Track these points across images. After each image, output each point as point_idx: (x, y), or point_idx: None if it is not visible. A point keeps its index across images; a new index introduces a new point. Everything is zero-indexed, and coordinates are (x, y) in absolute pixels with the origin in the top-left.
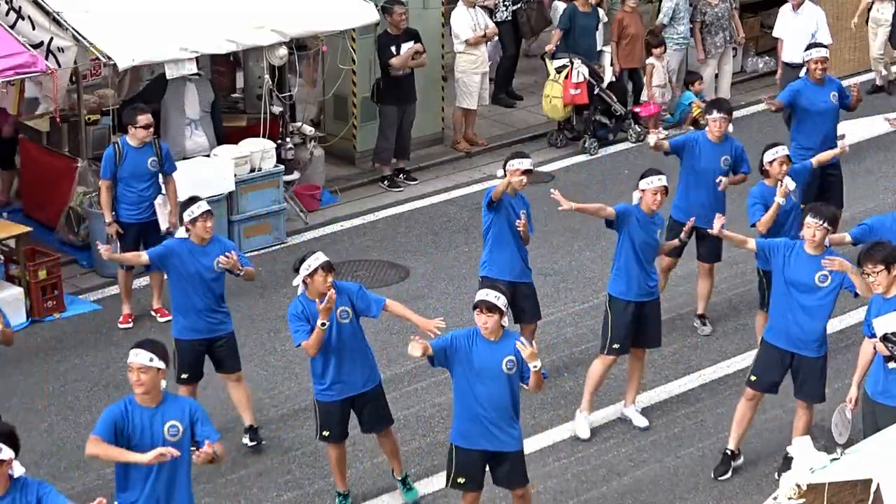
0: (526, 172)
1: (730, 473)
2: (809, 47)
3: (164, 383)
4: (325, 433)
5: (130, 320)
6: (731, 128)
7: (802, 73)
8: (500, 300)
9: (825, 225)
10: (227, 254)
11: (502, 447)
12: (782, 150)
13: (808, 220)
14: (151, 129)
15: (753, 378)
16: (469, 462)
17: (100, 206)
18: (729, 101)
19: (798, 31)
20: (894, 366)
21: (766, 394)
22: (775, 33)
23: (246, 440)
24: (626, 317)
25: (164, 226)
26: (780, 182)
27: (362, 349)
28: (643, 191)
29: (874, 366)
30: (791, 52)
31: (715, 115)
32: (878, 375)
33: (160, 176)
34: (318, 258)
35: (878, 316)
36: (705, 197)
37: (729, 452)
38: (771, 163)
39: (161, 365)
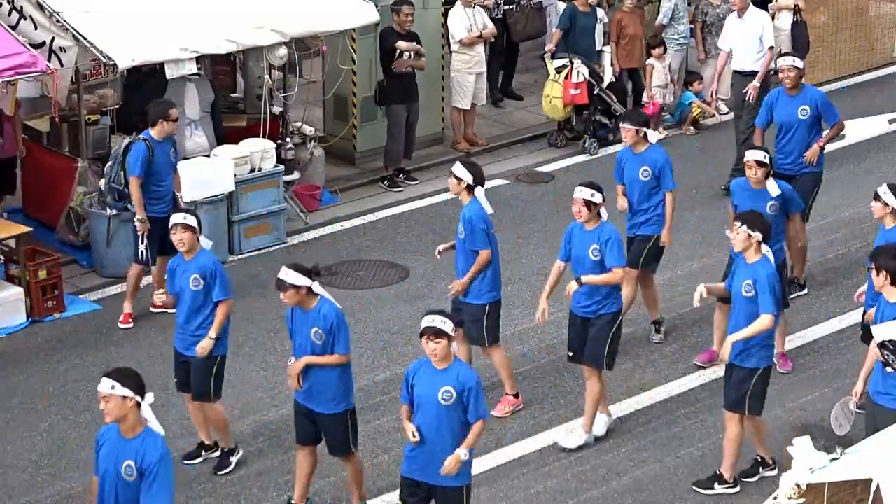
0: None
1: (755, 478)
2: (781, 56)
3: (145, 413)
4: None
5: (131, 320)
6: (653, 137)
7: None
8: (447, 324)
9: (746, 230)
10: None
11: (440, 482)
12: (750, 154)
13: (734, 225)
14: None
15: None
16: (410, 491)
17: (101, 204)
18: (640, 112)
19: (745, 37)
20: (891, 370)
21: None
22: (721, 45)
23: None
24: (571, 327)
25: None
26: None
27: (332, 377)
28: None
29: (875, 367)
30: (741, 59)
31: (627, 125)
32: (877, 377)
33: None
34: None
35: (881, 317)
36: (634, 208)
37: (758, 458)
38: (745, 162)
39: (126, 393)
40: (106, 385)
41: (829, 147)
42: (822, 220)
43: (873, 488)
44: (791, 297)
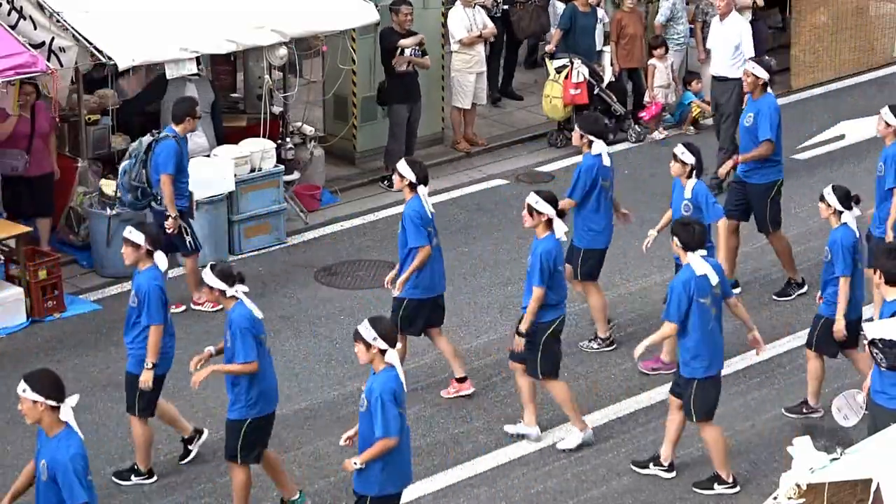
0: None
1: (647, 471)
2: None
3: (64, 416)
4: None
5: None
6: (598, 148)
7: None
8: (368, 331)
9: (673, 239)
10: None
11: (354, 486)
12: (676, 147)
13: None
14: None
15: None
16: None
17: (101, 204)
18: (596, 119)
19: (724, 43)
20: (884, 368)
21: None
22: (708, 45)
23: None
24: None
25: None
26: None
27: (238, 382)
28: None
29: (874, 365)
30: (716, 64)
31: (575, 128)
32: (875, 375)
33: None
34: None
35: (881, 314)
36: None
37: (657, 454)
38: None
39: (36, 397)
40: (20, 388)
41: (829, 147)
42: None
43: (873, 488)
44: (790, 297)
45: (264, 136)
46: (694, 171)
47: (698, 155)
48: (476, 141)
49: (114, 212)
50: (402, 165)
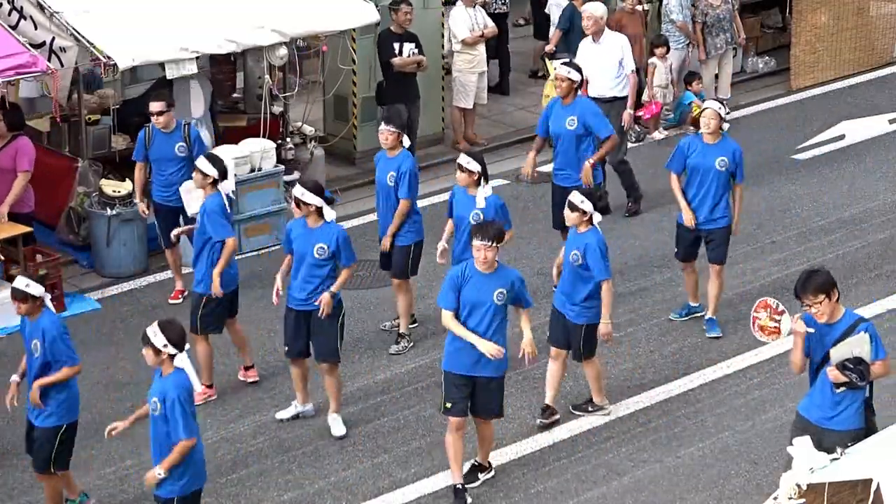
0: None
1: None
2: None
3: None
4: None
5: (181, 296)
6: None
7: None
8: (156, 337)
9: (494, 245)
10: None
11: (156, 491)
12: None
13: (475, 242)
14: (168, 115)
15: (449, 405)
16: None
17: (101, 204)
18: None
19: (606, 61)
20: (861, 385)
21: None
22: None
23: None
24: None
25: (190, 210)
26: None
27: (48, 390)
28: None
29: (817, 391)
30: (598, 86)
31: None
32: (823, 400)
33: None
34: None
35: (828, 345)
36: None
37: (460, 486)
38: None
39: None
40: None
41: (829, 147)
42: (822, 221)
43: (873, 488)
44: None
45: (264, 136)
46: (482, 179)
47: (482, 162)
48: (476, 141)
49: (114, 212)
50: (203, 162)
